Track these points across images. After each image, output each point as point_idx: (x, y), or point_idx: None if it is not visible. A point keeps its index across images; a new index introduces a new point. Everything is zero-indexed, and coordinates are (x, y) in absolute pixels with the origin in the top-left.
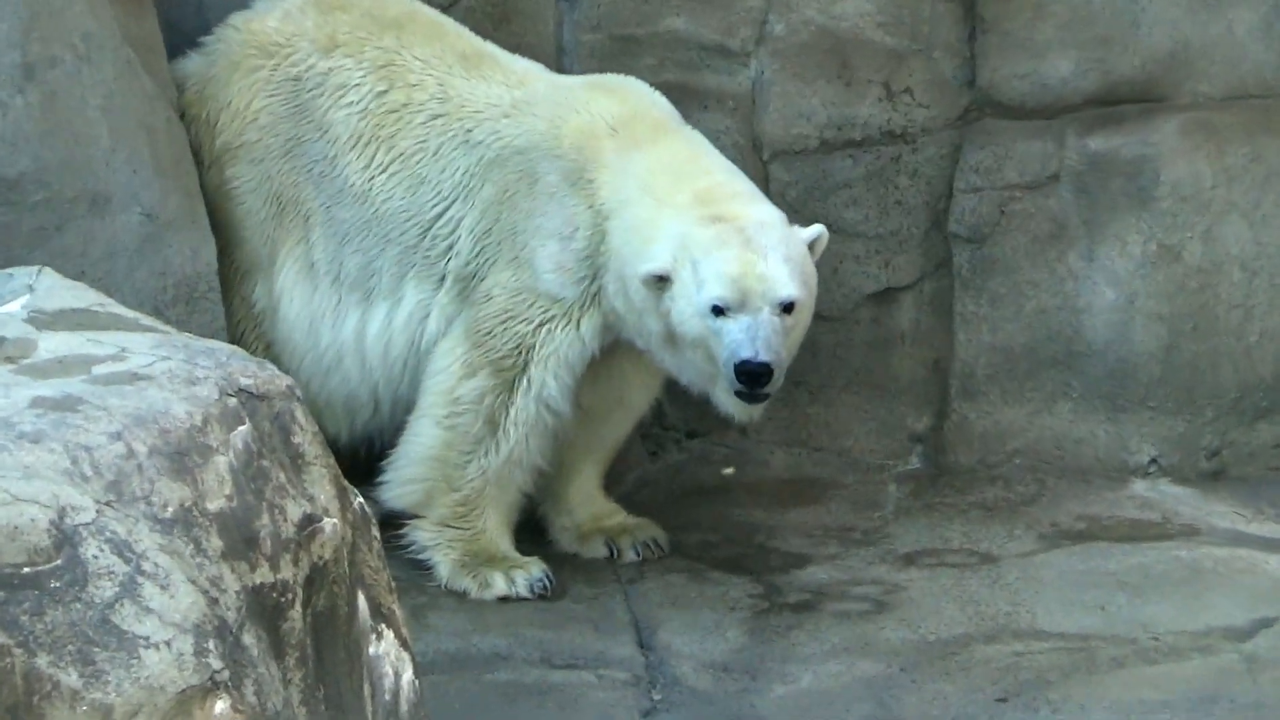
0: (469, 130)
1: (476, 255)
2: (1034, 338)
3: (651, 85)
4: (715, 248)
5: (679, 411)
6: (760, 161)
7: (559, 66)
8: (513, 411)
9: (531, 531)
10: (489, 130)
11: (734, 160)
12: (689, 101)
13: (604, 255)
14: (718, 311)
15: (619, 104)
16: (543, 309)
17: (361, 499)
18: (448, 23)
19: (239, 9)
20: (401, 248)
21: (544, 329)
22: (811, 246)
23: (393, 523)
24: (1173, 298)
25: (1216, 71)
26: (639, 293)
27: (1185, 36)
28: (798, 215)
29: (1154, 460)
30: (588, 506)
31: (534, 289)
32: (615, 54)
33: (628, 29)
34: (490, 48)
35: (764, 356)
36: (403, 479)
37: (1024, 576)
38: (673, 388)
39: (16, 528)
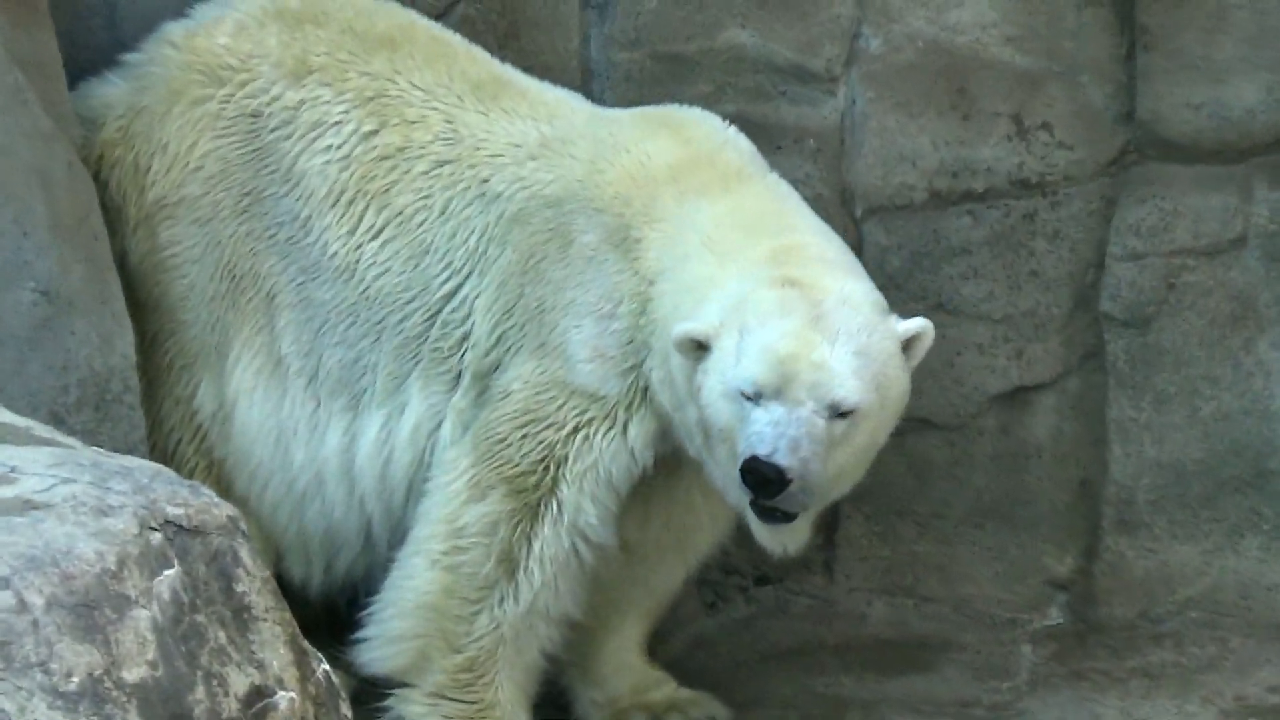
0: (485, 180)
1: (496, 344)
2: (1212, 452)
3: None
4: (773, 316)
5: (745, 550)
6: (850, 219)
7: (586, 93)
8: (537, 546)
9: (550, 704)
10: (510, 177)
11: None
12: (757, 141)
13: (646, 329)
14: (752, 397)
15: (680, 143)
16: (577, 410)
17: (327, 666)
18: (455, 40)
19: (172, 18)
20: (402, 338)
21: (579, 436)
22: (908, 345)
23: (374, 692)
24: None
25: None
26: (678, 367)
27: None
28: (900, 291)
29: None
30: (626, 676)
31: (565, 384)
32: (659, 78)
33: (675, 45)
34: (512, 73)
35: (782, 460)
36: (389, 635)
37: None
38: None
39: None
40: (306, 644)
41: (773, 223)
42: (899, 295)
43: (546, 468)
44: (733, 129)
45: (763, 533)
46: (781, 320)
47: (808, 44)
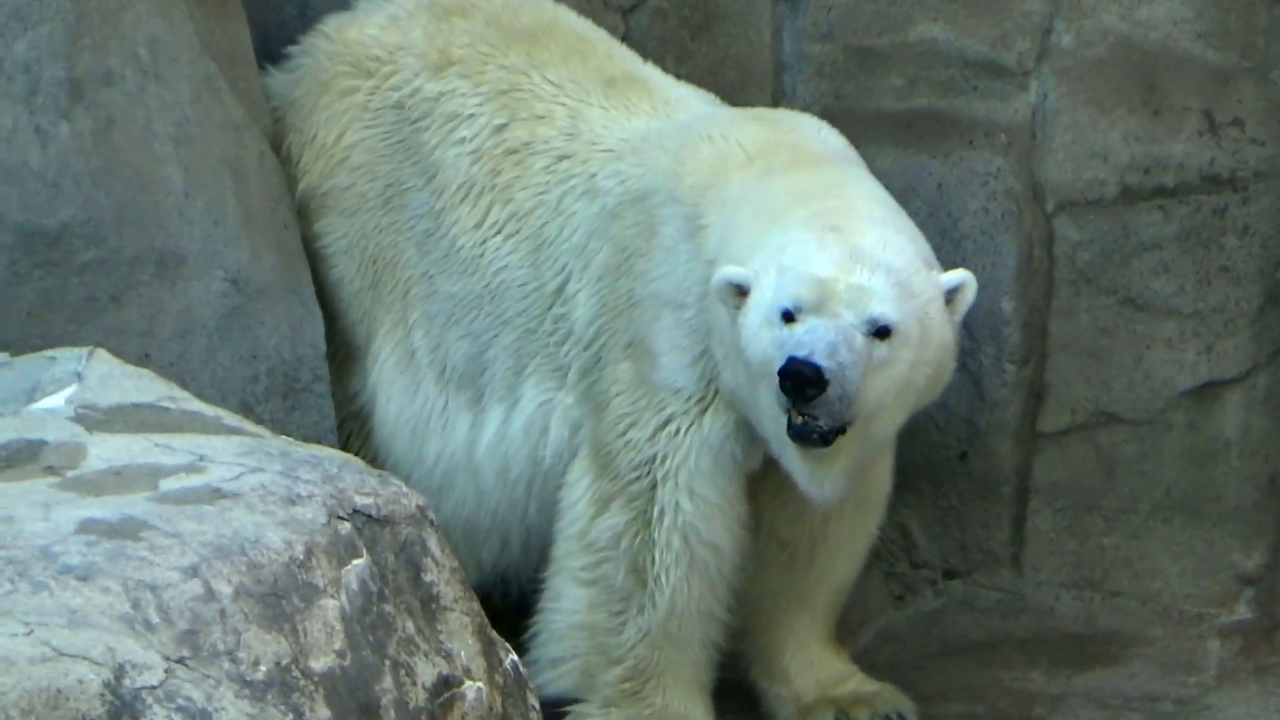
0: (593, 175)
1: (594, 338)
2: None
3: (898, 113)
4: (812, 251)
5: (933, 544)
6: (1042, 214)
7: (777, 88)
8: (658, 553)
9: (742, 700)
10: (612, 172)
11: (1009, 212)
12: (949, 134)
13: (706, 310)
14: (788, 318)
15: (768, 131)
16: (659, 407)
17: (515, 657)
18: (596, 35)
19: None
20: (519, 332)
21: (663, 434)
22: (952, 297)
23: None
24: None
25: None
26: (723, 320)
27: None
28: (1090, 286)
29: None
30: (810, 671)
31: (651, 382)
32: (851, 71)
33: (868, 39)
34: (648, 70)
35: (821, 359)
36: (550, 658)
37: None
38: (925, 511)
39: (59, 692)
40: (494, 634)
41: (828, 192)
42: (1089, 289)
43: (645, 470)
44: (827, 127)
45: (802, 468)
46: (819, 252)
47: (1000, 39)
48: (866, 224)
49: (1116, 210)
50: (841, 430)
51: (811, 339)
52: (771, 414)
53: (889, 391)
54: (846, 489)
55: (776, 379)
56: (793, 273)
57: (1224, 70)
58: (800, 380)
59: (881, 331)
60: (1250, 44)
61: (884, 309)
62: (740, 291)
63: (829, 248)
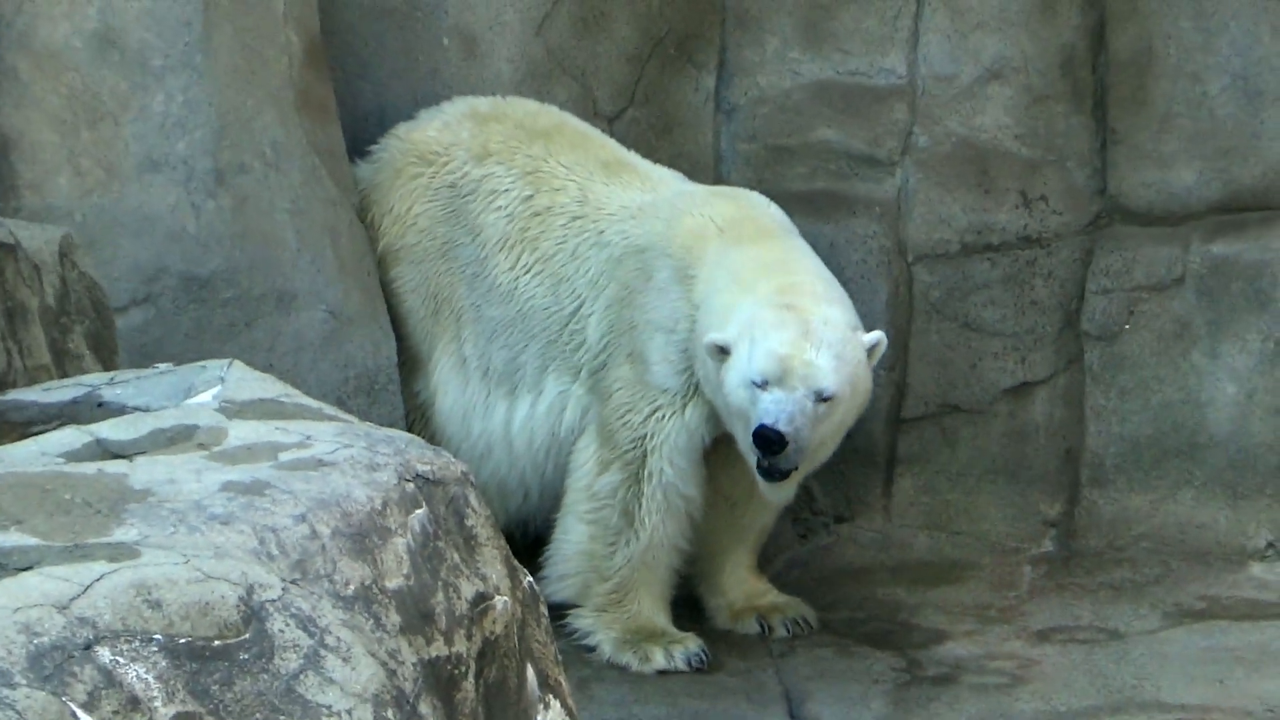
0: (601, 231)
1: (602, 350)
2: (1160, 429)
3: (803, 193)
4: (774, 329)
5: (827, 498)
6: (905, 264)
7: (716, 173)
8: (644, 502)
9: (689, 609)
10: (618, 231)
11: (882, 262)
12: (838, 208)
13: (694, 340)
14: (760, 385)
15: (734, 208)
16: (652, 400)
17: (531, 578)
18: (593, 133)
19: (410, 118)
20: (543, 343)
21: (654, 419)
22: (870, 351)
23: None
24: None
25: None
26: (710, 367)
27: None
28: (939, 315)
29: (1271, 544)
30: (740, 588)
31: (646, 381)
32: (769, 162)
33: (781, 139)
34: (632, 157)
35: (783, 427)
36: (558, 575)
37: (1149, 652)
38: (822, 474)
39: (208, 604)
40: (516, 562)
41: (782, 267)
42: (938, 317)
43: (639, 444)
44: (775, 205)
45: (764, 486)
46: (780, 332)
47: (874, 139)
48: (812, 301)
49: (958, 261)
50: (795, 468)
51: (776, 409)
52: (746, 443)
53: (830, 436)
54: (794, 494)
55: (751, 430)
56: (761, 348)
57: (1034, 161)
58: (766, 442)
59: (826, 398)
60: (1052, 143)
61: (827, 382)
62: (723, 350)
63: (787, 327)
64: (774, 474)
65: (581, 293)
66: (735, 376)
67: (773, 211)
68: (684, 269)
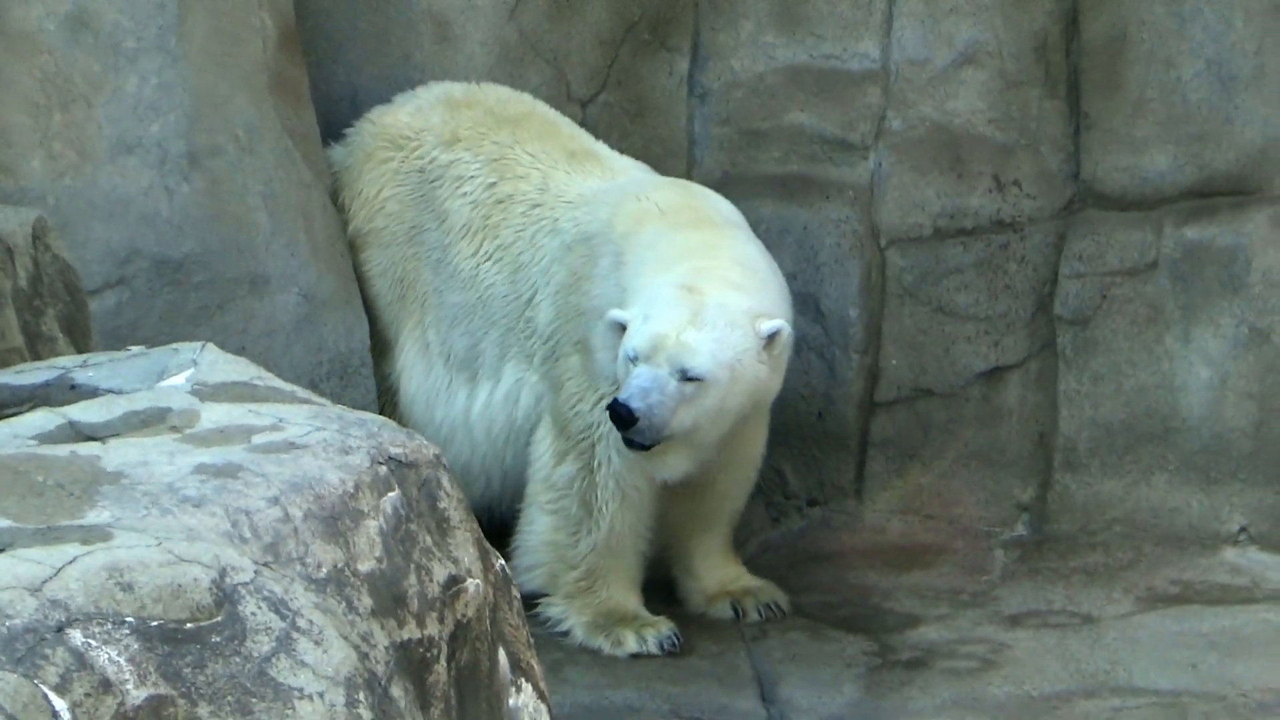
0: (556, 219)
1: (551, 335)
2: (1132, 414)
3: (776, 176)
4: (665, 308)
5: (800, 481)
6: (878, 248)
7: (690, 158)
8: (599, 491)
9: (663, 591)
10: (569, 218)
11: (855, 246)
12: (811, 192)
13: None
14: (633, 360)
15: (679, 196)
16: (596, 389)
17: (503, 561)
18: (563, 122)
19: (386, 102)
20: (502, 330)
21: (599, 408)
22: (771, 340)
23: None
24: (1263, 377)
25: None
26: (613, 343)
27: (1276, 133)
28: (912, 299)
29: (1244, 529)
30: (714, 572)
31: (591, 370)
32: (742, 146)
33: (754, 123)
34: (599, 147)
35: (633, 404)
36: (525, 566)
37: (1122, 637)
38: (794, 458)
39: (180, 586)
40: (488, 545)
41: (705, 252)
42: (911, 301)
43: (588, 434)
44: (725, 200)
45: (644, 463)
46: (668, 310)
47: (848, 123)
48: (717, 286)
49: (931, 245)
50: (657, 442)
51: (634, 385)
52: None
53: (703, 417)
54: (688, 469)
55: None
56: (643, 325)
57: (1007, 146)
58: (616, 416)
59: (692, 378)
60: (1026, 127)
61: (694, 361)
62: (622, 327)
63: (677, 306)
64: (631, 446)
65: (536, 280)
66: (621, 353)
67: (718, 203)
68: (621, 253)
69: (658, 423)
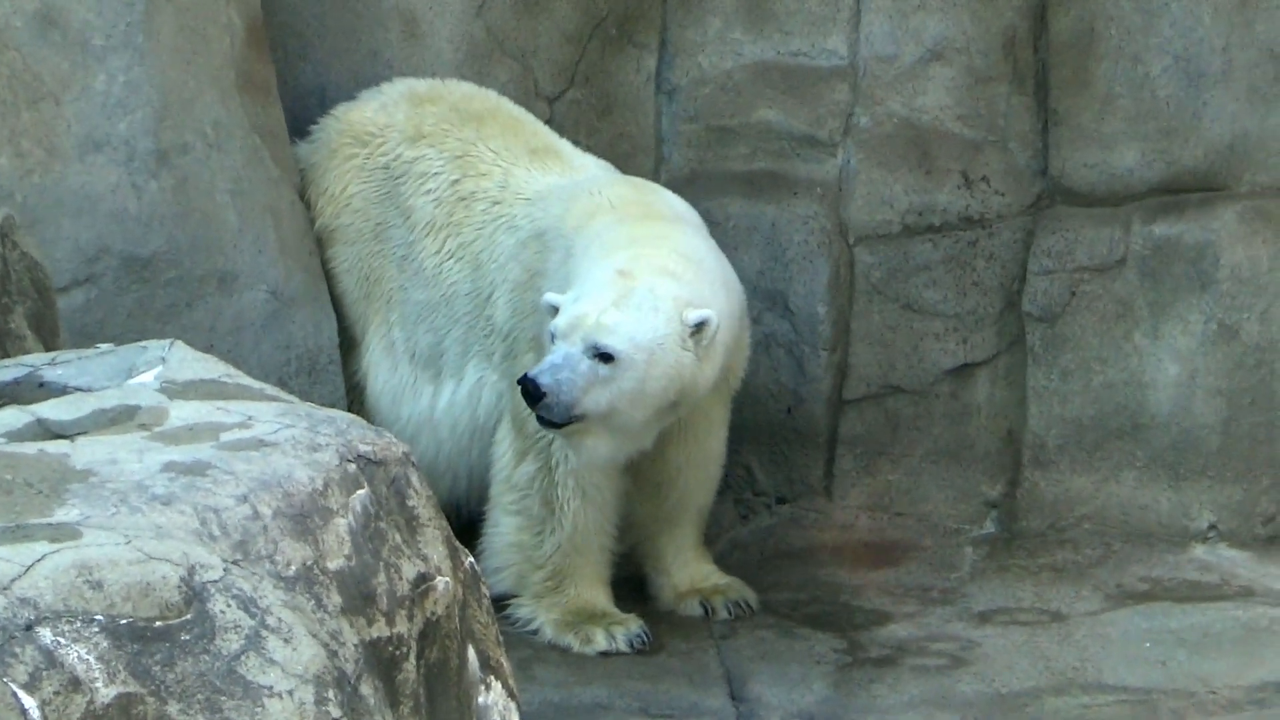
0: (514, 216)
1: (508, 333)
2: (1101, 411)
3: (744, 173)
4: (595, 290)
5: (769, 478)
6: (847, 245)
7: (658, 155)
8: (559, 490)
9: (632, 588)
10: (525, 214)
11: (823, 243)
12: (779, 189)
13: None
14: (554, 338)
15: (631, 192)
16: None
17: (472, 559)
18: (527, 119)
19: (352, 99)
20: (464, 328)
21: None
22: (699, 329)
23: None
24: (1232, 374)
25: (1274, 162)
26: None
27: (1244, 129)
28: (881, 295)
29: (1213, 526)
30: (685, 569)
31: None
32: (710, 143)
33: (722, 120)
34: (562, 145)
35: (541, 379)
36: (493, 568)
37: (1091, 634)
38: (763, 455)
39: (149, 584)
40: (458, 543)
41: (648, 242)
42: (880, 298)
43: (544, 432)
44: (682, 201)
45: (558, 439)
46: (597, 293)
47: (816, 120)
48: (651, 273)
49: (899, 242)
50: (570, 421)
51: (546, 362)
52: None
53: (619, 400)
54: (611, 456)
55: None
56: (569, 306)
57: (975, 142)
58: (524, 391)
59: (604, 357)
60: (994, 124)
61: (609, 340)
62: (556, 310)
63: (606, 289)
64: (543, 422)
65: (494, 277)
66: (546, 331)
67: (671, 200)
68: (569, 249)
69: (566, 400)
